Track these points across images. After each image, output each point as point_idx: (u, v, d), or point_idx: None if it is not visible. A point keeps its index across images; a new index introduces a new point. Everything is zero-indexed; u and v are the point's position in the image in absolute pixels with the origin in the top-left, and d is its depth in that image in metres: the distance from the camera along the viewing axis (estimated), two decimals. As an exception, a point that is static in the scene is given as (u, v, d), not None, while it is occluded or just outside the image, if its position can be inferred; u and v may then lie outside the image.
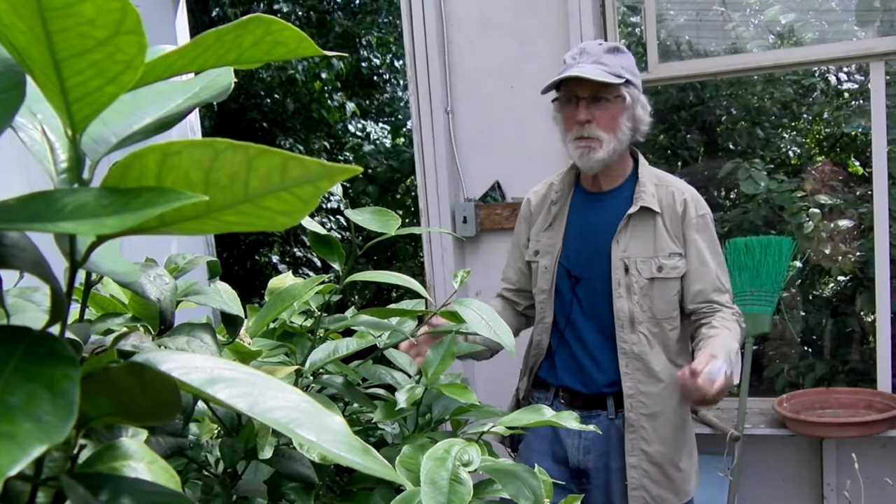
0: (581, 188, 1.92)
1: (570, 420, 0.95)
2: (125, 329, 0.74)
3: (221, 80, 0.55)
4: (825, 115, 3.91)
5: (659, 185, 1.86)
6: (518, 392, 2.03)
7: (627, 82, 1.77)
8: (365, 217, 1.08)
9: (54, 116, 0.45)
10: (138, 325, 0.77)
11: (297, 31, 0.46)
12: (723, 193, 3.84)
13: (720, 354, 1.63)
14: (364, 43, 6.25)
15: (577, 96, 1.78)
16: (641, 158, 1.91)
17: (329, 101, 5.99)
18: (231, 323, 0.87)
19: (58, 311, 0.42)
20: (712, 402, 1.64)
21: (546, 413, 0.96)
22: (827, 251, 3.27)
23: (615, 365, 1.84)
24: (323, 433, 0.40)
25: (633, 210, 1.81)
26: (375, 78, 6.68)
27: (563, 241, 1.90)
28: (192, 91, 0.54)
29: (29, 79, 0.42)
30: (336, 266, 1.11)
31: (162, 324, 0.72)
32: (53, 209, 0.36)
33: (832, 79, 3.79)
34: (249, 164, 0.36)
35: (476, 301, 1.19)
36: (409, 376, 1.30)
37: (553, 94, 1.85)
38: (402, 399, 1.08)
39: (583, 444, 1.88)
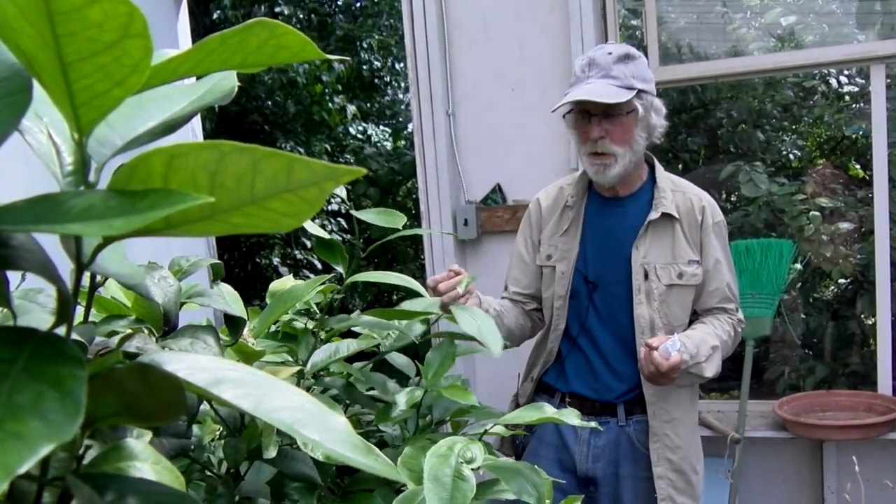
0: (595, 193, 1.89)
1: (571, 417, 0.95)
2: (129, 331, 0.75)
3: (225, 83, 0.56)
4: (826, 118, 3.91)
5: (675, 191, 1.84)
6: (518, 397, 2.00)
7: (640, 92, 1.72)
8: (371, 216, 1.09)
9: (60, 119, 0.45)
10: (142, 327, 0.78)
11: (301, 35, 0.46)
12: (724, 196, 3.84)
13: (685, 339, 1.69)
14: (365, 46, 6.26)
15: (588, 112, 1.74)
16: (657, 163, 1.89)
17: (330, 104, 6.00)
18: (234, 324, 0.87)
19: (64, 312, 0.42)
20: (665, 380, 1.66)
21: (548, 410, 0.96)
22: (827, 254, 3.27)
23: (631, 372, 1.82)
24: (326, 433, 0.40)
25: (654, 216, 1.79)
26: (376, 80, 6.68)
27: (580, 247, 1.86)
28: (196, 94, 0.54)
29: (35, 82, 0.43)
30: (339, 268, 1.12)
31: (166, 325, 0.72)
32: (61, 211, 0.36)
33: (833, 82, 3.79)
34: (255, 167, 0.37)
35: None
36: (410, 378, 1.30)
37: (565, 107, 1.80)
38: (401, 401, 1.08)
39: (592, 451, 1.85)
